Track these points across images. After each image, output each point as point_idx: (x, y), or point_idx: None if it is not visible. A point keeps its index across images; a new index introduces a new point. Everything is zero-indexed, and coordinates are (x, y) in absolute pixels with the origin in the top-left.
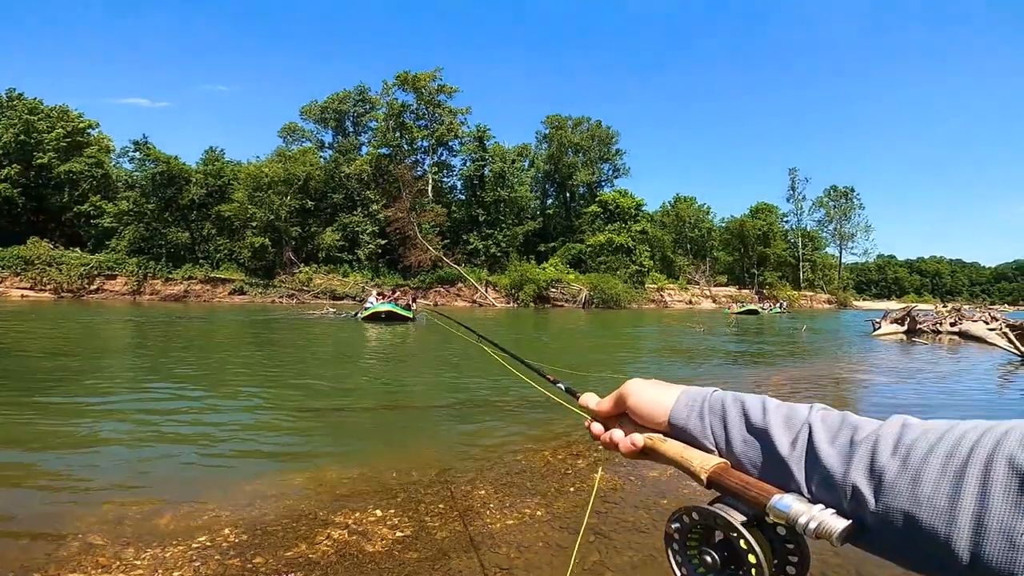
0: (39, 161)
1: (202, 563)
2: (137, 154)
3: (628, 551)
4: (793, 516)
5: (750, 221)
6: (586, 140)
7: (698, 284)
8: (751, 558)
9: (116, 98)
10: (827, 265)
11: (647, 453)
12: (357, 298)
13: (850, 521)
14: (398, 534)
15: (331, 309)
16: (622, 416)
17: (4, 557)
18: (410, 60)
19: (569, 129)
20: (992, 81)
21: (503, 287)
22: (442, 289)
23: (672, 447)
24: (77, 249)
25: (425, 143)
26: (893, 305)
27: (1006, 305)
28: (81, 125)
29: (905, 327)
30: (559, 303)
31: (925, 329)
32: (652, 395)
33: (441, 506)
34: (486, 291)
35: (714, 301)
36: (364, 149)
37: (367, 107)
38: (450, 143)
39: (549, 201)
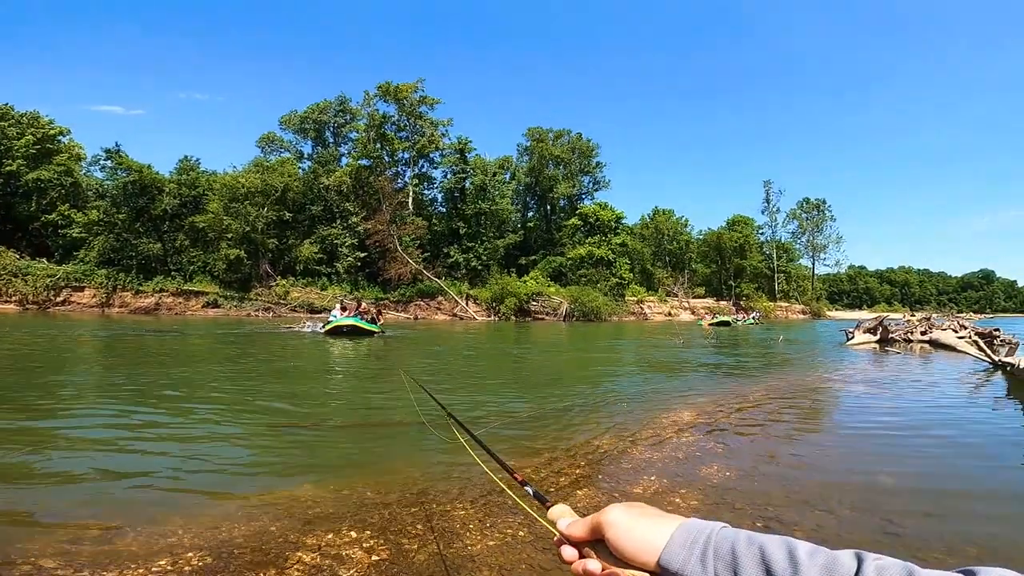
0: (7, 168)
1: None
2: (108, 162)
3: None
4: None
5: (727, 233)
6: (567, 153)
7: (677, 296)
8: None
9: (89, 105)
10: (801, 276)
11: None
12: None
13: None
14: (374, 557)
15: (308, 323)
16: (599, 542)
17: None
18: (391, 71)
19: (550, 142)
20: (954, 102)
21: (484, 300)
22: (422, 303)
23: None
24: (44, 260)
25: (406, 155)
26: (865, 315)
27: (972, 313)
28: (52, 132)
29: (878, 336)
30: (540, 316)
31: (897, 338)
32: (639, 528)
33: (419, 527)
34: (467, 304)
35: (693, 313)
36: (344, 160)
37: (348, 118)
38: (431, 155)
39: (530, 214)
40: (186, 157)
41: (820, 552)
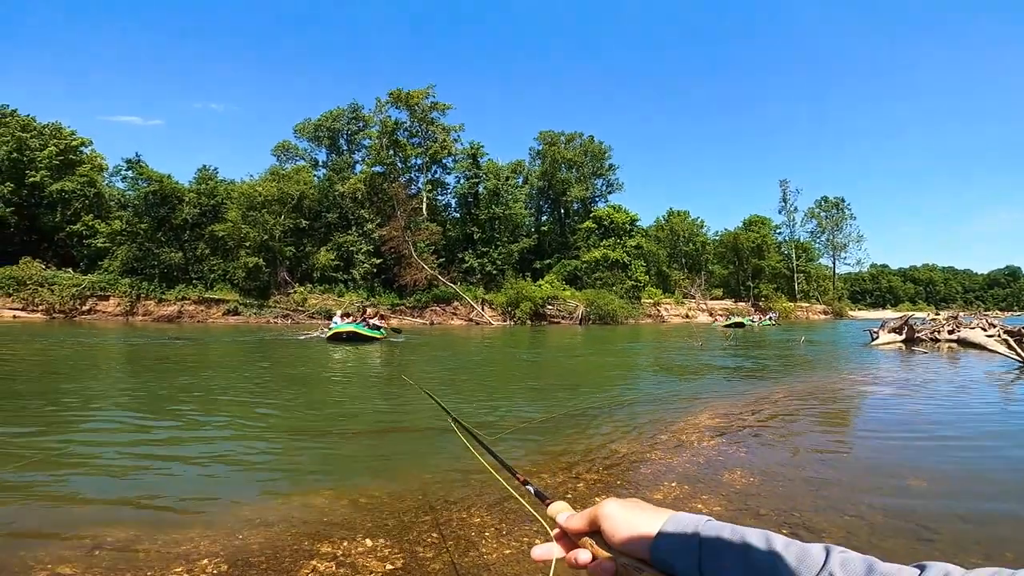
0: (31, 179)
1: None
2: (130, 172)
3: None
4: None
5: (744, 234)
6: (579, 156)
7: (694, 298)
8: None
9: (109, 116)
10: (821, 276)
11: None
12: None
13: None
14: (388, 566)
15: (325, 329)
16: (595, 533)
17: None
18: (402, 77)
19: (562, 145)
20: (968, 94)
21: (499, 305)
22: (438, 308)
23: None
24: (69, 269)
25: (419, 161)
26: (889, 314)
27: (999, 311)
28: (74, 143)
29: (903, 336)
30: (556, 320)
31: (923, 337)
32: (632, 522)
33: (434, 535)
34: (482, 309)
35: (710, 314)
36: (358, 167)
37: (360, 125)
38: (444, 160)
39: (544, 218)
40: (204, 166)
41: (793, 544)
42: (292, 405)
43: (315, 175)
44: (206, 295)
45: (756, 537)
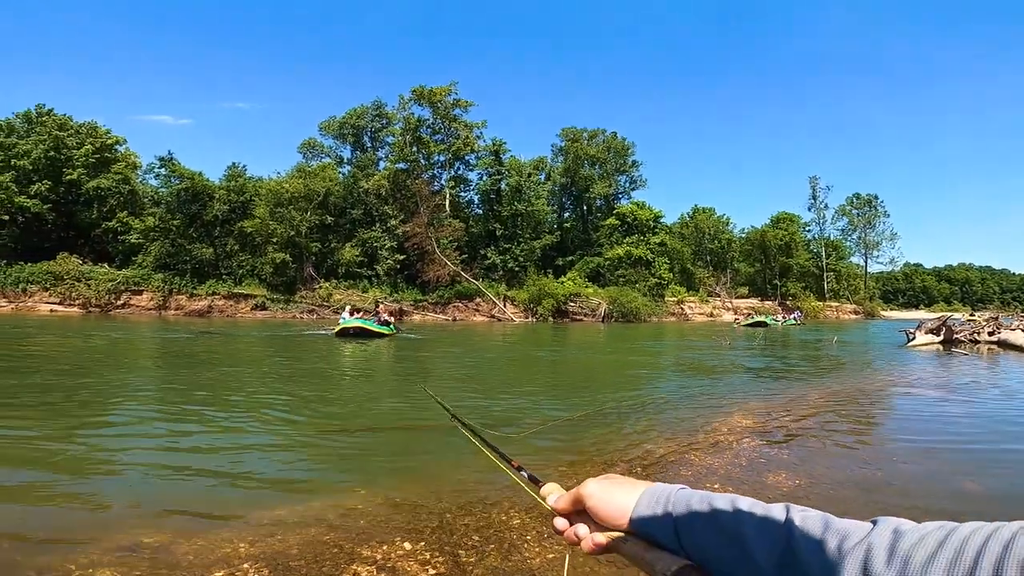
0: (68, 177)
1: None
2: (162, 170)
3: None
4: None
5: (771, 231)
6: (602, 152)
7: (719, 296)
8: None
9: (141, 115)
10: (852, 275)
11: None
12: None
13: None
14: (431, 571)
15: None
16: (582, 512)
17: None
18: (425, 74)
19: (585, 141)
20: (1009, 85)
21: (521, 301)
22: (461, 304)
23: (634, 548)
24: (105, 265)
25: (442, 157)
26: (922, 314)
27: None
28: (109, 141)
29: (941, 337)
30: (578, 317)
31: (963, 339)
32: (612, 496)
33: (475, 537)
34: (504, 306)
35: (735, 313)
36: (382, 164)
37: (384, 122)
38: (466, 157)
39: (566, 214)
40: (234, 164)
41: (758, 505)
42: (313, 401)
43: (340, 172)
44: (235, 290)
45: (723, 501)
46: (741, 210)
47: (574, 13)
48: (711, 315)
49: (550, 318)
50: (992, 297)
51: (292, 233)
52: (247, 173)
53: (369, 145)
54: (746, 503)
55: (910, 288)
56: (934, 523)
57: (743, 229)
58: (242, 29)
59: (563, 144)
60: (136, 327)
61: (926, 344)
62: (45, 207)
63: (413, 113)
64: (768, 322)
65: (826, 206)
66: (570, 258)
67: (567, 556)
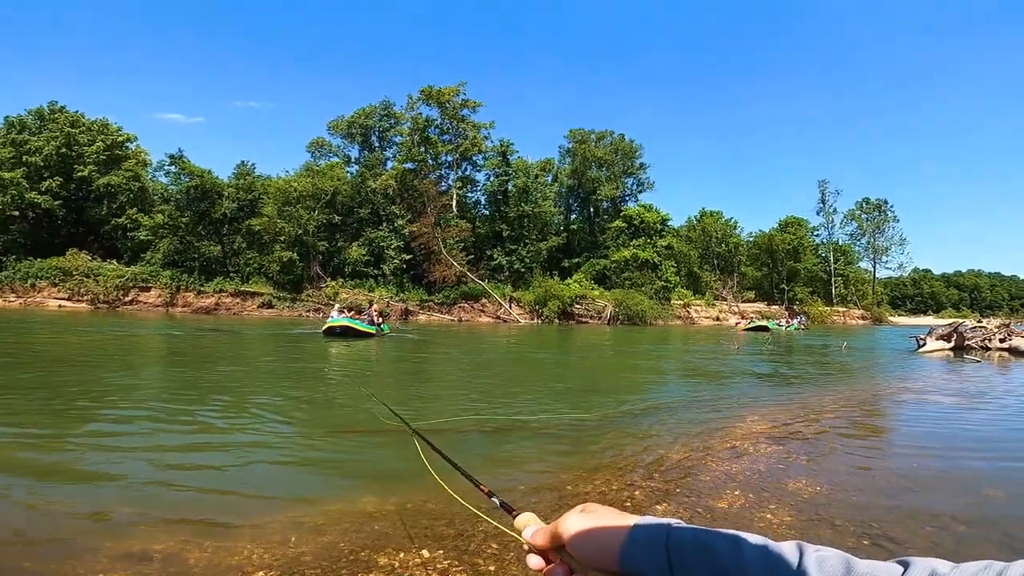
0: (79, 174)
1: None
2: (172, 168)
3: None
4: None
5: (779, 235)
6: (609, 154)
7: (725, 300)
8: None
9: (152, 113)
10: (860, 280)
11: None
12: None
13: None
14: None
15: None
16: (562, 548)
17: None
18: (433, 74)
19: (592, 143)
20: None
21: (527, 303)
22: (466, 304)
23: None
24: (114, 261)
25: (449, 158)
26: (931, 320)
27: None
28: (120, 139)
29: (952, 343)
30: (584, 319)
31: (974, 345)
32: (595, 534)
33: (495, 545)
34: (510, 307)
35: (742, 317)
36: (389, 164)
37: (392, 122)
38: (474, 158)
39: (573, 216)
40: (243, 162)
41: (766, 544)
42: (316, 401)
43: (348, 171)
44: (242, 288)
45: (725, 539)
46: (749, 214)
47: (584, 14)
48: (717, 319)
49: (556, 320)
50: (1001, 303)
51: (299, 232)
52: (256, 171)
53: (377, 145)
54: (752, 541)
55: (918, 294)
56: (978, 564)
57: (751, 233)
58: (255, 29)
59: (570, 145)
60: (144, 323)
61: (936, 350)
62: (56, 203)
63: (421, 113)
64: (770, 326)
65: (835, 210)
66: (576, 260)
67: None
